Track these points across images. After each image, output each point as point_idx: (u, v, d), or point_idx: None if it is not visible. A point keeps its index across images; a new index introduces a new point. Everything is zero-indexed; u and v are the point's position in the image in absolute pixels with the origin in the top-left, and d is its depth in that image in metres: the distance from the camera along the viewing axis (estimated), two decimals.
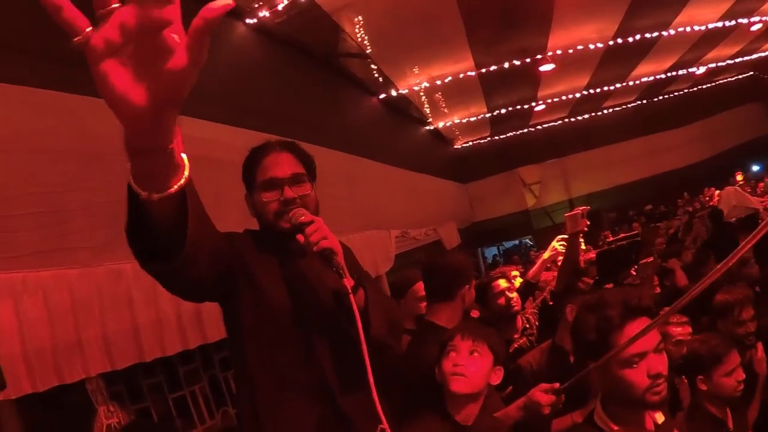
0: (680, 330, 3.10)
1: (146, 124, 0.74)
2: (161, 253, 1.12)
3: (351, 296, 1.55)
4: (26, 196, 2.80)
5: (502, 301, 3.60)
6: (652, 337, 1.56)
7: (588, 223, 3.19)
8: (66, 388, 3.03)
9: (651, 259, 5.77)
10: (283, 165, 1.76)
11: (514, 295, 3.65)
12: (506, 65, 8.72)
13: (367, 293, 1.69)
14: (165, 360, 3.92)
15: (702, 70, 11.92)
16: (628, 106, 13.80)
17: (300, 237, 1.62)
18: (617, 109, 13.88)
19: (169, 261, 1.13)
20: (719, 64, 11.60)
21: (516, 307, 3.60)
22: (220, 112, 4.36)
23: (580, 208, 3.26)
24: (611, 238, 5.55)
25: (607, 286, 3.35)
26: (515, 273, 5.22)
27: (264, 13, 5.06)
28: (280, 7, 5.09)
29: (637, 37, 8.10)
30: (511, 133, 14.16)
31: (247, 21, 5.07)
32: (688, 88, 13.76)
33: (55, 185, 2.94)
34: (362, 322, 1.55)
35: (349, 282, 1.58)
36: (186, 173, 0.90)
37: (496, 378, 2.08)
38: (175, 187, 0.90)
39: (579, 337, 1.68)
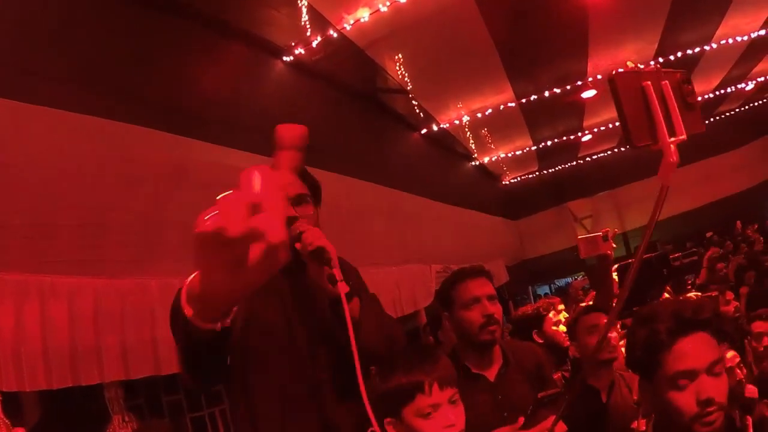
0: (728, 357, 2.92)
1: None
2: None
3: (340, 284, 1.54)
4: (69, 209, 3.00)
5: (561, 336, 3.45)
6: (706, 355, 1.34)
7: (614, 246, 2.87)
8: (87, 394, 3.14)
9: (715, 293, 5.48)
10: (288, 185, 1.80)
11: (563, 328, 3.50)
12: (546, 94, 8.62)
13: (362, 303, 1.70)
14: None
15: (752, 85, 11.52)
16: None
17: (297, 245, 1.63)
18: None
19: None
20: None
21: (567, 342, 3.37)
22: (258, 144, 4.49)
23: (603, 230, 2.97)
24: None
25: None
26: (561, 307, 4.97)
27: (300, 51, 5.23)
28: (314, 44, 5.24)
29: (679, 54, 7.92)
30: (559, 167, 13.87)
31: (285, 59, 5.25)
32: (740, 107, 13.31)
33: (95, 203, 3.15)
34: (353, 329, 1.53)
35: (343, 287, 1.55)
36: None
37: None
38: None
39: (629, 354, 1.48)
